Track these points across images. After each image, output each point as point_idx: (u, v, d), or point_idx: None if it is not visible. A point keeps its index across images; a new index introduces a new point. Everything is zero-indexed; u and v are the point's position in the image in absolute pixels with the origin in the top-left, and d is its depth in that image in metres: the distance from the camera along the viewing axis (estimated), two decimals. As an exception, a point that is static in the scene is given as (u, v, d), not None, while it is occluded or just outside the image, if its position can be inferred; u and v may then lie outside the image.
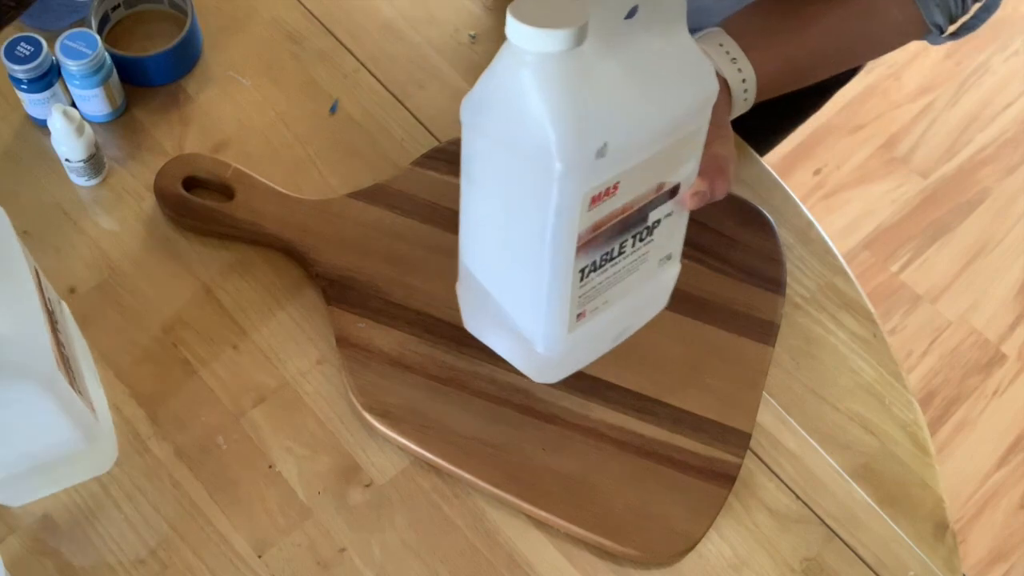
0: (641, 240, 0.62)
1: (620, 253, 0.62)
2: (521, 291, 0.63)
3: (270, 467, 0.72)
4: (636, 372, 0.76)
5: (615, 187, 0.56)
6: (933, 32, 0.76)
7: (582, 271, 0.60)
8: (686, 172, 0.62)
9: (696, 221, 0.82)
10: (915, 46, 1.99)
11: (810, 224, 0.85)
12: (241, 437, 0.73)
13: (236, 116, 0.87)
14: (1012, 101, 1.94)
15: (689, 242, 0.81)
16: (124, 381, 0.75)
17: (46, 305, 0.64)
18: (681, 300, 0.79)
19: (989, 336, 1.69)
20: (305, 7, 0.93)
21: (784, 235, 0.84)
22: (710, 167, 0.64)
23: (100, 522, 0.70)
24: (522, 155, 0.54)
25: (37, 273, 0.65)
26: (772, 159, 1.83)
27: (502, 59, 0.53)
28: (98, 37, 0.80)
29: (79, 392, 0.65)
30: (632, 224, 0.60)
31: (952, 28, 0.76)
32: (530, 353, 0.66)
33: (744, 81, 0.71)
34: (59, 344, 0.64)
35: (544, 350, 0.65)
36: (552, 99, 0.52)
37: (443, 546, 0.70)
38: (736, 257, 0.81)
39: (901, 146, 1.87)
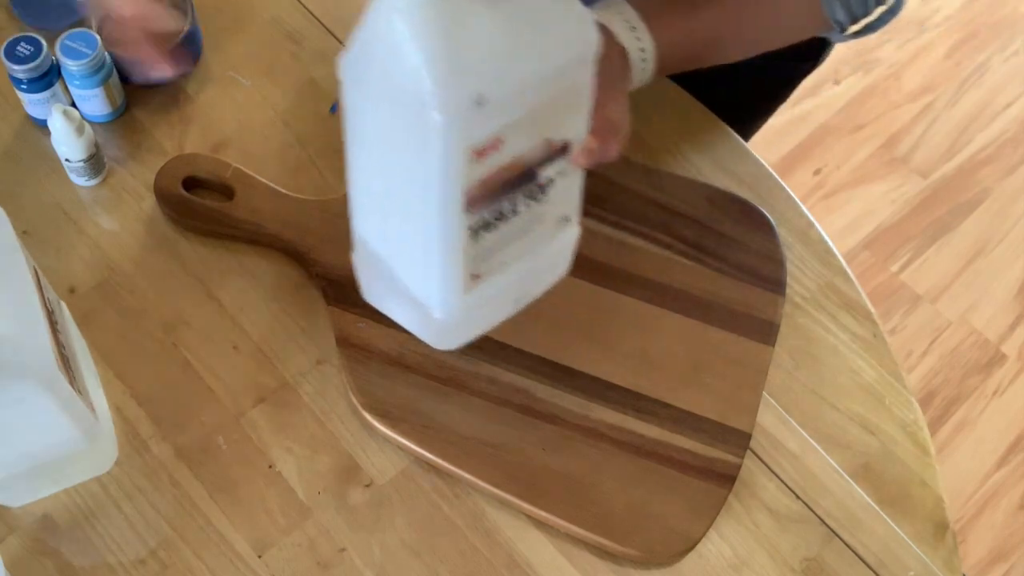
0: (534, 199, 0.62)
1: (513, 212, 0.61)
2: (413, 253, 0.62)
3: (270, 467, 0.72)
4: (636, 372, 0.76)
5: (499, 141, 0.55)
6: (835, 28, 0.76)
7: (473, 230, 0.59)
8: (574, 130, 0.61)
9: (696, 221, 0.83)
10: (915, 45, 1.99)
11: (810, 224, 0.85)
12: (241, 437, 0.73)
13: (236, 116, 0.87)
14: (1012, 101, 1.94)
15: (689, 242, 0.82)
16: (124, 381, 0.75)
17: (46, 305, 0.64)
18: (681, 300, 0.79)
19: (989, 336, 1.69)
20: (305, 7, 0.93)
21: (784, 235, 0.84)
22: (603, 127, 0.63)
23: (100, 522, 0.70)
24: (401, 108, 0.54)
25: (37, 273, 0.65)
26: (772, 159, 1.84)
27: (375, 8, 0.52)
28: (98, 37, 0.80)
29: (79, 392, 0.66)
30: (522, 181, 0.60)
31: (855, 28, 0.77)
32: (428, 320, 0.65)
33: (643, 50, 0.71)
34: (59, 344, 0.64)
35: (441, 314, 0.64)
36: (426, 46, 0.51)
37: (443, 546, 0.70)
38: (736, 257, 0.81)
39: (901, 146, 1.87)
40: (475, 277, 0.62)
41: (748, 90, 0.94)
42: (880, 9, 0.76)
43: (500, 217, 0.60)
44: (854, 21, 0.76)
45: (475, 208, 0.58)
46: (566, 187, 0.64)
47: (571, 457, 0.72)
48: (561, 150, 0.61)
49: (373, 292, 0.70)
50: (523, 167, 0.59)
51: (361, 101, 0.57)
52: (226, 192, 0.81)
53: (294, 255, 0.79)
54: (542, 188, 0.61)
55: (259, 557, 0.69)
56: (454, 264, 0.60)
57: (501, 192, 0.59)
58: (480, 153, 0.55)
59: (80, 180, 0.82)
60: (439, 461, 0.72)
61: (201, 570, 0.69)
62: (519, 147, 0.57)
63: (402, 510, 0.71)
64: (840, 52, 1.97)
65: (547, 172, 0.61)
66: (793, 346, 0.79)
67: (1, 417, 0.61)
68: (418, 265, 0.63)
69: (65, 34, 0.80)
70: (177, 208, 0.80)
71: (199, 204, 0.80)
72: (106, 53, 0.81)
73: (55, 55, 0.81)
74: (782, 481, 0.74)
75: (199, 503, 0.71)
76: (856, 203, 1.81)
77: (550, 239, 0.66)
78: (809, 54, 0.97)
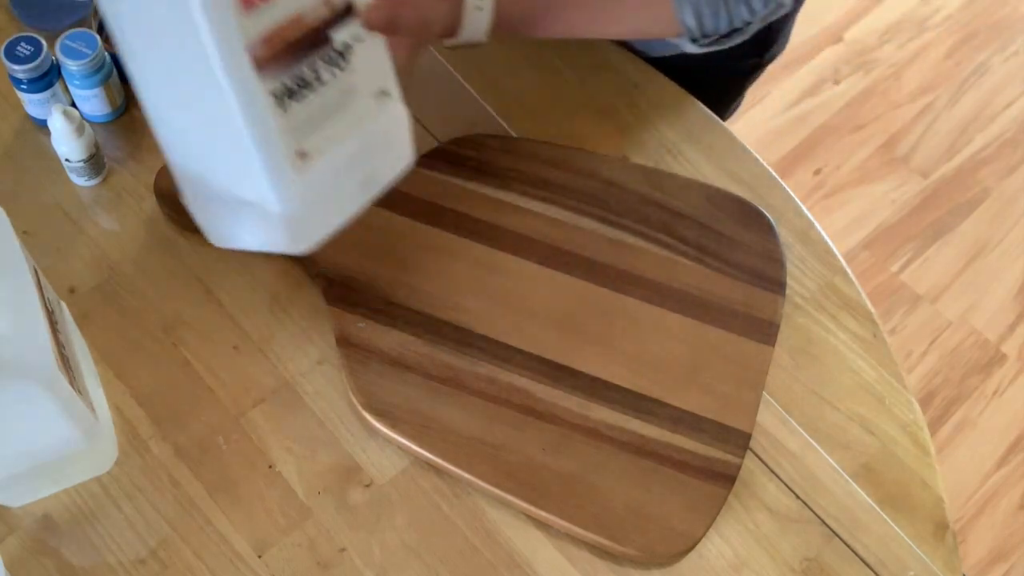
0: (337, 67, 0.61)
1: (318, 81, 0.60)
2: (231, 147, 0.60)
3: (270, 467, 0.72)
4: (636, 372, 0.76)
5: None
6: (685, 33, 0.76)
7: (277, 97, 0.58)
8: None
9: (696, 221, 0.83)
10: (915, 45, 1.99)
11: (810, 224, 0.85)
12: (241, 437, 0.73)
13: (236, 116, 0.87)
14: (1012, 101, 1.94)
15: (689, 242, 0.82)
16: (124, 381, 0.75)
17: (46, 305, 0.64)
18: (681, 300, 0.79)
19: (989, 336, 1.69)
20: (305, 7, 0.93)
21: (784, 235, 0.84)
22: None
23: (100, 522, 0.70)
24: None
25: (37, 273, 0.65)
26: (772, 159, 1.84)
27: None
28: (98, 37, 0.81)
29: (79, 392, 0.66)
30: (314, 44, 0.59)
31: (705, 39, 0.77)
32: (275, 222, 0.62)
33: None
34: (59, 344, 0.64)
35: (280, 203, 0.61)
36: None
37: (443, 546, 0.70)
38: (736, 257, 0.81)
39: (901, 146, 1.87)
40: (303, 155, 0.60)
41: (691, 89, 0.93)
42: (735, 31, 0.77)
43: (304, 85, 0.59)
44: (703, 34, 0.76)
45: (268, 70, 0.56)
46: (369, 56, 0.63)
47: (571, 457, 0.72)
48: (345, 11, 0.60)
49: (217, 230, 0.67)
50: (309, 27, 0.58)
51: (119, 17, 0.56)
52: (226, 192, 0.81)
53: (294, 255, 0.79)
54: (341, 55, 0.61)
55: (259, 557, 0.69)
56: (270, 138, 0.58)
57: (294, 55, 0.58)
58: (248, 3, 0.54)
59: (80, 180, 0.82)
60: (439, 461, 0.72)
61: (201, 570, 0.69)
62: (295, 2, 0.57)
63: (402, 510, 0.71)
64: (840, 52, 1.97)
65: (340, 36, 0.60)
66: (793, 346, 0.79)
67: (1, 417, 0.61)
68: (240, 157, 0.60)
69: (65, 34, 0.80)
70: (177, 208, 0.80)
71: (199, 204, 0.80)
72: (106, 53, 0.81)
73: (55, 55, 0.81)
74: (782, 481, 0.74)
75: (199, 503, 0.71)
76: (856, 203, 1.81)
77: (374, 115, 0.65)
78: (753, 50, 0.97)
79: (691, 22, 0.75)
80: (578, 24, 0.79)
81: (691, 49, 0.78)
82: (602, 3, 0.77)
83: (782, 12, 0.77)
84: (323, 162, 0.62)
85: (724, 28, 0.75)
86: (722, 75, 1.01)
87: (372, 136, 0.66)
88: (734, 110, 1.11)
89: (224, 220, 0.66)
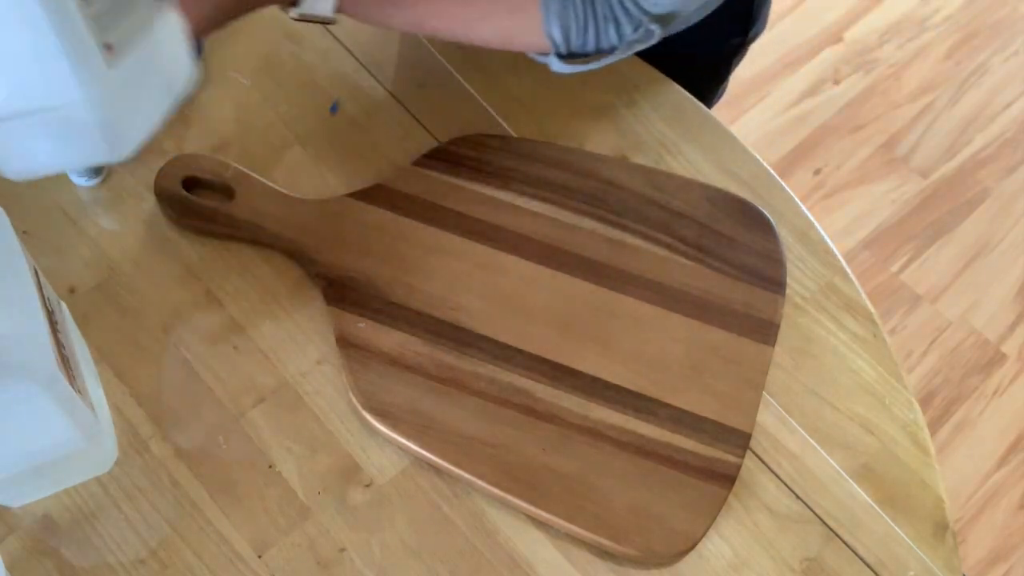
0: None
1: None
2: (24, 45, 0.55)
3: (270, 467, 0.72)
4: (636, 372, 0.76)
5: None
6: (551, 48, 0.75)
7: None
8: None
9: (696, 221, 0.83)
10: (915, 45, 1.99)
11: (810, 224, 0.85)
12: (241, 437, 0.73)
13: (236, 116, 0.87)
14: (1012, 101, 1.95)
15: (689, 242, 0.82)
16: (124, 381, 0.75)
17: (46, 305, 0.64)
18: (681, 300, 0.79)
19: (989, 336, 1.69)
20: (305, 7, 0.93)
21: (784, 235, 0.84)
22: None
23: (100, 522, 0.70)
24: None
25: (37, 273, 0.65)
26: (772, 159, 1.84)
27: None
28: (98, 37, 0.80)
29: (79, 392, 0.65)
30: None
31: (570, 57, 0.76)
32: (87, 127, 0.58)
33: None
34: (59, 344, 0.64)
35: (92, 100, 0.56)
36: None
37: (443, 546, 0.70)
38: (736, 257, 0.81)
39: (901, 146, 1.87)
40: (110, 48, 0.57)
41: (678, 72, 0.93)
42: (603, 54, 0.76)
43: None
44: (569, 51, 0.75)
45: None
46: None
47: (571, 457, 0.72)
48: None
49: (15, 160, 0.62)
50: None
51: None
52: (226, 192, 0.81)
53: (294, 255, 0.79)
54: None
55: (259, 557, 0.69)
56: (75, 28, 0.55)
57: None
58: None
59: (80, 180, 0.82)
60: (439, 461, 0.72)
61: (201, 570, 0.69)
62: None
63: (402, 510, 0.71)
64: (840, 52, 1.98)
65: None
66: (793, 346, 0.79)
67: (1, 417, 0.61)
68: (42, 54, 0.55)
69: (65, 34, 0.80)
70: (177, 208, 0.80)
71: (199, 204, 0.80)
72: (106, 53, 0.81)
73: (55, 55, 0.80)
74: (782, 481, 0.74)
75: (199, 503, 0.71)
76: (856, 203, 1.81)
77: (159, 16, 0.63)
78: (736, 28, 0.96)
79: (557, 35, 0.74)
80: (431, 19, 0.77)
81: (557, 67, 0.77)
82: (463, 1, 0.75)
83: (651, 42, 0.76)
84: (128, 57, 0.59)
85: (591, 48, 0.75)
86: (707, 56, 1.01)
87: (163, 37, 0.63)
88: (720, 94, 1.11)
89: (23, 144, 0.60)
